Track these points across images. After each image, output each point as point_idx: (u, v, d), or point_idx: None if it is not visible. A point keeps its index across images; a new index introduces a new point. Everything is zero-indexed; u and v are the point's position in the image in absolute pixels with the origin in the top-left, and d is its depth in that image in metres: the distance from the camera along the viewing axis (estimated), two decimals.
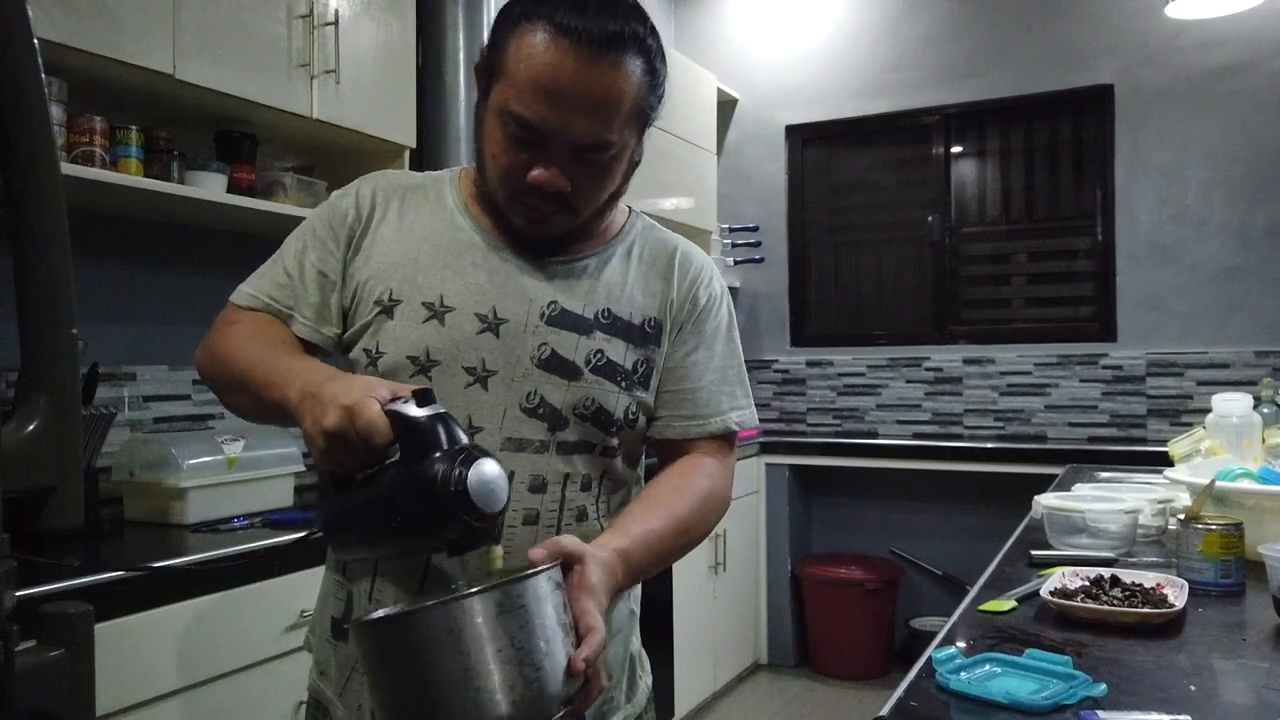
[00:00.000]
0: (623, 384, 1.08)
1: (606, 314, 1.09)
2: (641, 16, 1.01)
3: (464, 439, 0.85)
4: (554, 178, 1.00)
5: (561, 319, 1.06)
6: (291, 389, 0.92)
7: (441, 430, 0.84)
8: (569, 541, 0.90)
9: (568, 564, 0.87)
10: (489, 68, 1.03)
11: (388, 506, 0.84)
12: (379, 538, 0.87)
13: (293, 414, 0.91)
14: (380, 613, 0.87)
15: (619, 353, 1.08)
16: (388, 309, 1.05)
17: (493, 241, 1.09)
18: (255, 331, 1.06)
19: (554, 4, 0.96)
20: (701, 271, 1.17)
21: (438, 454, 0.82)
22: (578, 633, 0.83)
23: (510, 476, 1.02)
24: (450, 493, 0.80)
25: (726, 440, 1.15)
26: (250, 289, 1.11)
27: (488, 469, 0.83)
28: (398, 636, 0.79)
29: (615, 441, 1.10)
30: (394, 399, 0.85)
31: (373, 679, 0.81)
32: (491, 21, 1.06)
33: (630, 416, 1.09)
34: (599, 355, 1.07)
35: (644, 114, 1.04)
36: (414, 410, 0.84)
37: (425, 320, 1.04)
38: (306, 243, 1.11)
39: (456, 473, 0.80)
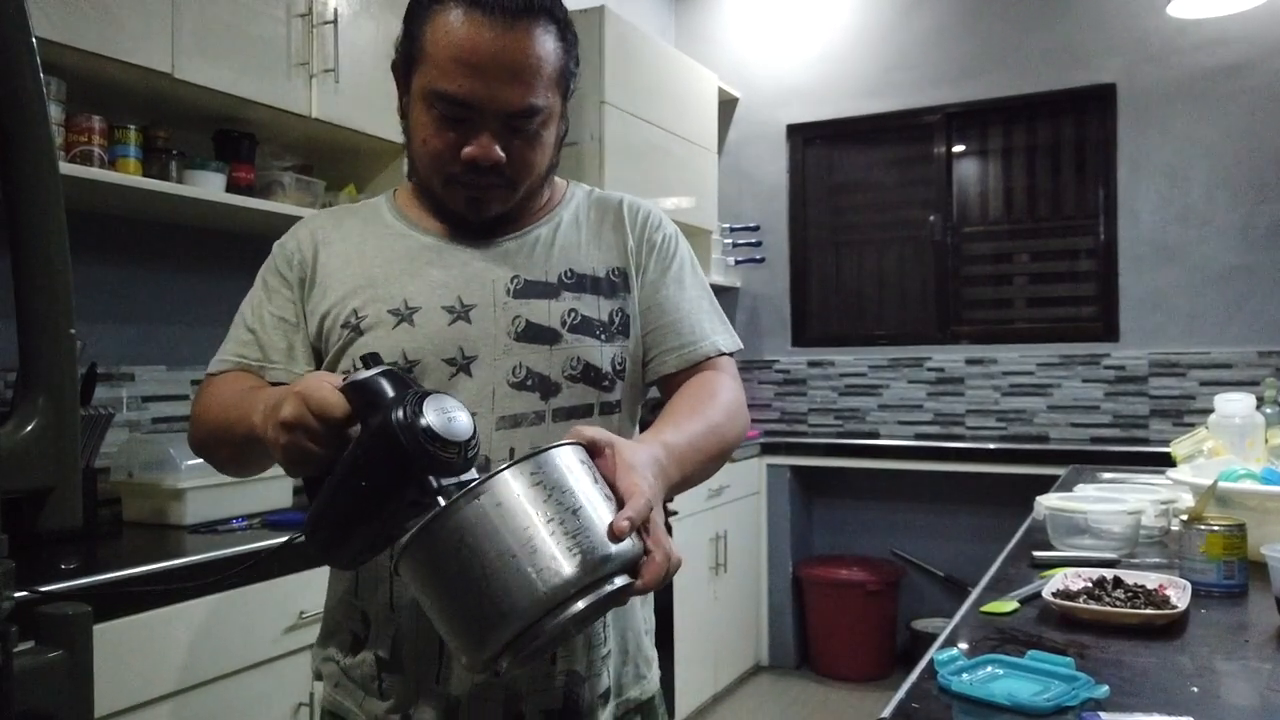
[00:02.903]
0: (602, 336, 1.09)
1: (569, 274, 1.11)
2: None
3: (417, 385, 0.84)
4: (487, 149, 1.02)
5: (527, 289, 1.08)
6: (255, 414, 0.93)
7: (393, 382, 0.83)
8: (591, 429, 0.86)
9: (595, 450, 0.85)
10: (406, 59, 1.05)
11: (356, 471, 0.83)
12: (358, 513, 0.85)
13: (260, 436, 0.91)
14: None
15: (592, 307, 1.10)
16: (356, 328, 1.06)
17: (441, 239, 1.11)
18: (227, 387, 1.08)
19: None
20: (650, 215, 1.20)
21: (390, 398, 0.81)
22: (621, 504, 0.81)
23: (510, 453, 1.03)
24: (408, 427, 0.79)
25: (723, 360, 1.16)
26: (219, 357, 1.13)
27: (444, 401, 0.82)
28: (430, 547, 0.77)
29: (614, 397, 1.11)
30: (345, 378, 0.85)
31: (429, 601, 0.80)
32: None
33: (618, 366, 1.10)
34: (573, 314, 1.08)
35: (564, 80, 1.07)
36: (363, 374, 0.84)
37: (395, 326, 1.05)
38: (261, 296, 1.13)
39: (411, 409, 0.80)
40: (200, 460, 1.95)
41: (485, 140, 1.02)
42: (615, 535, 0.77)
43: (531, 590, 0.74)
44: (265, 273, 1.15)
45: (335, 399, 0.83)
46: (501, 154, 1.03)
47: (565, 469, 0.79)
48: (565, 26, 1.05)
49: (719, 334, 1.16)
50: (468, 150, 1.02)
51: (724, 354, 1.15)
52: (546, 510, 0.76)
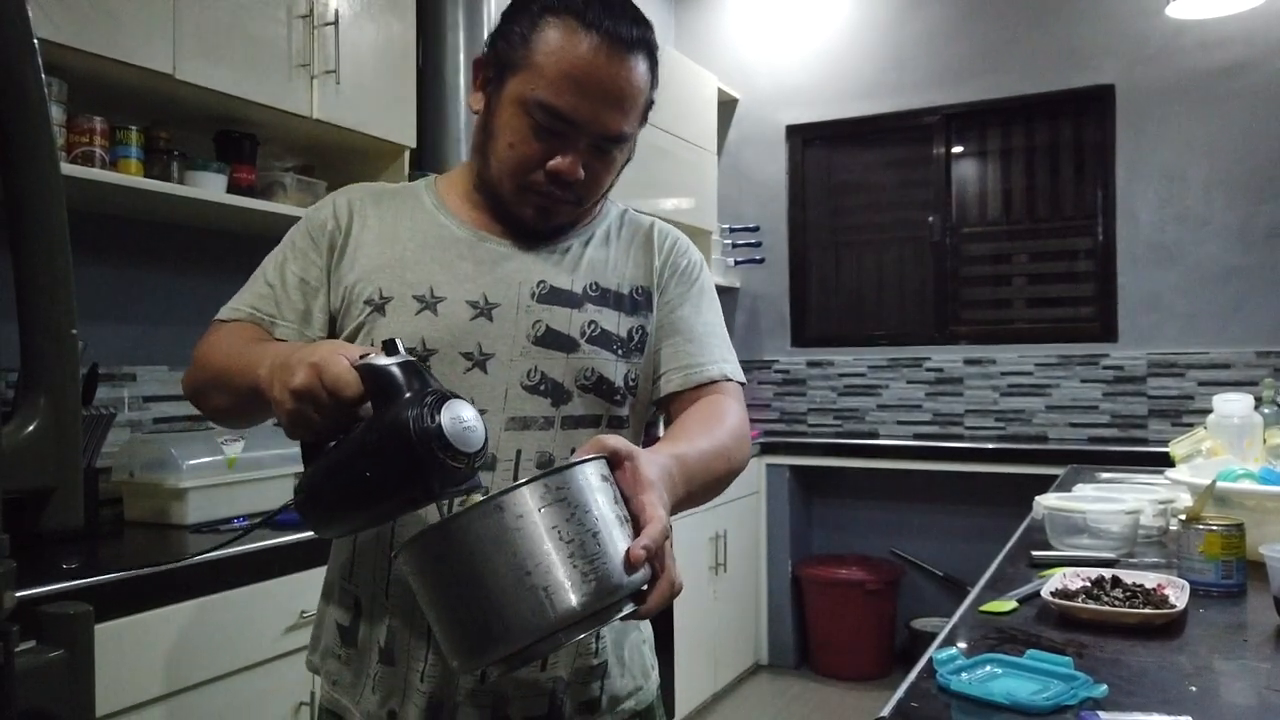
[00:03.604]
0: (619, 352, 1.10)
1: (594, 286, 1.12)
2: (648, 21, 1.08)
3: (435, 384, 0.83)
4: (573, 166, 1.04)
5: (552, 296, 1.09)
6: (262, 367, 0.92)
7: (412, 376, 0.82)
8: (613, 439, 0.85)
9: (616, 461, 0.84)
10: (503, 60, 1.05)
11: (362, 459, 0.81)
12: (356, 497, 0.84)
13: (264, 391, 0.90)
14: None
15: (612, 322, 1.11)
16: (379, 307, 1.06)
17: (476, 234, 1.12)
18: (234, 335, 1.07)
19: (582, 2, 1.01)
20: (679, 240, 1.22)
21: (408, 395, 0.80)
22: (638, 525, 0.80)
23: (517, 455, 1.03)
24: (423, 430, 0.78)
25: (730, 386, 1.15)
26: (232, 304, 1.12)
27: (461, 408, 0.81)
28: (442, 547, 0.76)
29: (623, 411, 1.11)
30: (363, 356, 0.84)
31: (429, 600, 0.78)
32: (494, 20, 1.07)
33: (631, 383, 1.11)
34: (593, 326, 1.09)
35: (648, 109, 1.10)
36: (382, 360, 0.83)
37: (418, 312, 1.05)
38: (286, 255, 1.13)
39: (428, 412, 0.78)
40: (201, 460, 1.99)
41: (574, 157, 1.04)
42: (632, 564, 0.77)
43: (540, 612, 0.73)
44: (295, 234, 1.14)
45: (350, 378, 0.83)
46: (582, 172, 1.05)
47: (588, 487, 0.78)
48: (657, 60, 1.09)
49: (728, 362, 1.16)
50: (554, 163, 1.04)
51: (730, 380, 1.15)
52: (567, 530, 0.75)
